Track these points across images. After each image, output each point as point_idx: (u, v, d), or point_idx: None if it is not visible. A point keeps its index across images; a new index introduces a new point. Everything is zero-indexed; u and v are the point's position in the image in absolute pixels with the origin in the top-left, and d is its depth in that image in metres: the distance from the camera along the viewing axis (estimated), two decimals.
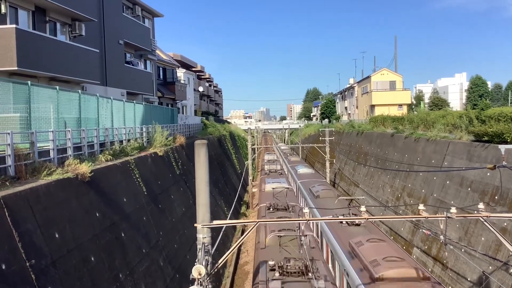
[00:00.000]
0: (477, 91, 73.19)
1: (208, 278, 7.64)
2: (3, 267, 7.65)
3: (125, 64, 28.93)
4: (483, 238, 15.15)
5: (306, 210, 10.33)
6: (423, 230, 17.91)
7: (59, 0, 19.25)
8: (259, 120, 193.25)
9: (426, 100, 77.42)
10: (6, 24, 16.73)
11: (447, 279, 16.44)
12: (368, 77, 59.22)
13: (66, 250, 9.78)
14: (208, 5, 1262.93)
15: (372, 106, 55.25)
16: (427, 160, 22.38)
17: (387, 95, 55.23)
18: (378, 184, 28.83)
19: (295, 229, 14.74)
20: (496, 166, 13.39)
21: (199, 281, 7.41)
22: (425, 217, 9.43)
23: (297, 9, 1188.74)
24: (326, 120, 73.80)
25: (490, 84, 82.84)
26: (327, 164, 40.97)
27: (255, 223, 9.17)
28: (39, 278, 8.43)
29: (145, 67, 33.83)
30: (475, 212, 13.83)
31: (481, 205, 9.79)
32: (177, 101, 44.13)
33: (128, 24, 29.33)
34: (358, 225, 15.87)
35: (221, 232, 11.24)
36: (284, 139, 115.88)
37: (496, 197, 15.34)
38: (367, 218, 9.83)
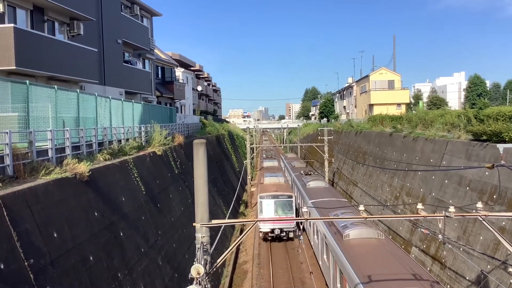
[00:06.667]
0: (475, 90, 73.23)
1: (206, 277, 7.63)
2: (2, 266, 7.64)
3: (124, 64, 28.87)
4: (481, 237, 15.17)
5: (305, 209, 10.31)
6: (422, 229, 17.93)
7: None
8: (258, 119, 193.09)
9: (425, 99, 77.33)
10: (4, 23, 16.69)
11: (446, 278, 16.47)
12: (367, 76, 59.17)
13: (64, 250, 9.77)
14: (207, 4, 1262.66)
15: (371, 105, 55.24)
16: (425, 159, 22.39)
17: (386, 94, 55.19)
18: (376, 183, 28.85)
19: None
20: (495, 165, 13.35)
21: (197, 280, 7.40)
22: (423, 216, 9.43)
23: (296, 9, 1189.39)
24: (325, 119, 73.83)
25: (488, 83, 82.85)
26: (326, 163, 40.99)
27: (254, 222, 9.18)
28: (38, 278, 8.42)
29: (144, 66, 33.76)
30: (474, 211, 13.84)
31: (479, 204, 9.79)
32: (176, 100, 44.07)
33: (126, 23, 29.26)
34: None
35: (220, 232, 11.23)
36: (283, 139, 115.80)
37: (494, 196, 15.36)
38: (366, 217, 9.82)
